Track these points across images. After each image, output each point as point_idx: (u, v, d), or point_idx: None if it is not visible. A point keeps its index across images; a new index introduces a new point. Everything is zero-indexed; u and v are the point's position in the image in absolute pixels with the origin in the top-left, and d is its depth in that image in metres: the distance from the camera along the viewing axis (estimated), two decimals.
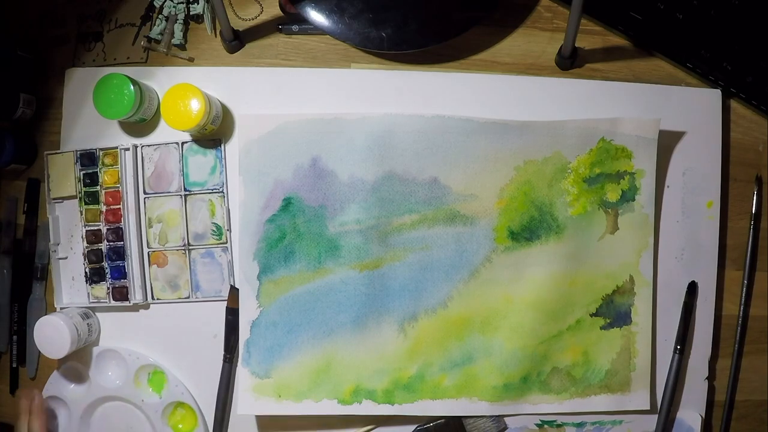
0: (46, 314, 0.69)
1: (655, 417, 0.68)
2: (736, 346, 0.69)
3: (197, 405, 0.68)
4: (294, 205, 0.66)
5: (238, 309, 0.66)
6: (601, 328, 0.67)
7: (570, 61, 0.68)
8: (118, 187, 0.68)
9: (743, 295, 0.69)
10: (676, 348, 0.67)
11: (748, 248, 0.69)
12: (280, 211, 0.66)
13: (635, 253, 0.66)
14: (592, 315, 0.66)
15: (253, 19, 0.70)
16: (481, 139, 0.65)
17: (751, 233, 0.69)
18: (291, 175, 0.66)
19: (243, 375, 0.66)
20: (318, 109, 0.67)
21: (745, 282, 0.69)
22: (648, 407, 0.67)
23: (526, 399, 0.66)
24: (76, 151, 0.68)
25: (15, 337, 0.70)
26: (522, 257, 0.66)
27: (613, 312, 0.66)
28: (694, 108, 0.68)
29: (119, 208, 0.68)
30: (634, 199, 0.66)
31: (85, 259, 0.68)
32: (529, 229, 0.66)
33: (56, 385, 0.69)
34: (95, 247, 0.68)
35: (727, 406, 0.69)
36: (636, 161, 0.66)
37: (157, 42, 0.70)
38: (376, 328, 0.66)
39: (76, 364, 0.69)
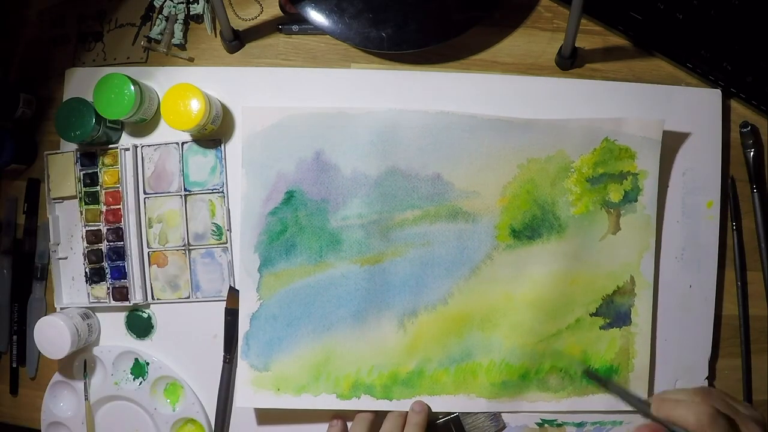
0: (46, 314, 0.69)
1: None
2: (743, 346, 0.68)
3: (210, 426, 0.68)
4: (296, 198, 0.66)
5: (237, 310, 0.66)
6: (601, 328, 0.67)
7: (570, 61, 0.68)
8: (118, 187, 0.68)
9: (741, 294, 0.68)
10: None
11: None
12: (283, 204, 0.66)
13: (636, 254, 0.66)
14: (591, 315, 0.66)
15: (253, 19, 0.70)
16: (484, 136, 0.65)
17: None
18: (294, 169, 0.66)
19: (242, 368, 0.66)
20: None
21: (740, 283, 0.68)
22: None
23: (524, 397, 0.66)
24: (76, 151, 0.68)
25: (15, 337, 0.70)
26: (523, 255, 0.66)
27: (613, 312, 0.66)
28: (695, 108, 0.68)
29: (119, 208, 0.68)
30: (636, 200, 0.66)
31: (85, 259, 0.68)
32: (530, 227, 0.66)
33: (71, 371, 0.69)
34: (95, 247, 0.68)
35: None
36: (639, 162, 0.66)
37: (157, 42, 0.70)
38: (376, 323, 0.66)
39: (96, 358, 0.69)
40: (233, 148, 0.68)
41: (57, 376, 0.69)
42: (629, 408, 0.66)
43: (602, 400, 0.66)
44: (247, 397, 0.66)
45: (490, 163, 0.66)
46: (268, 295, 0.66)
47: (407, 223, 0.66)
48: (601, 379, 0.65)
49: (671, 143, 0.68)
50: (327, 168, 0.66)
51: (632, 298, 0.66)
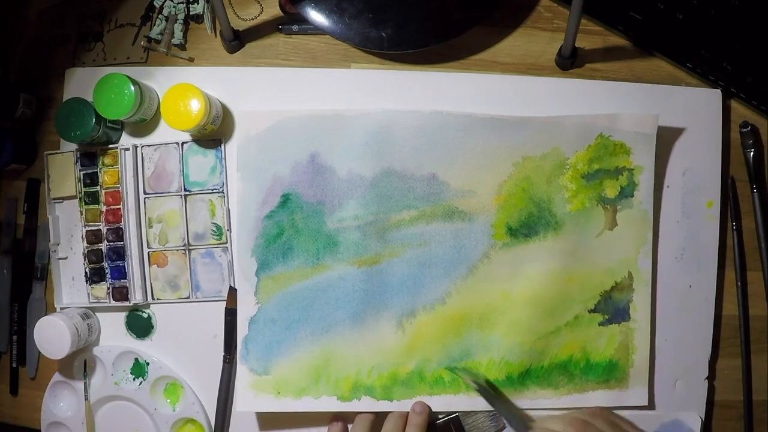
0: (46, 314, 0.69)
1: (655, 416, 0.68)
2: (743, 346, 0.68)
3: (209, 426, 0.68)
4: (292, 201, 0.66)
5: (237, 309, 0.66)
6: (599, 325, 0.67)
7: (570, 61, 0.68)
8: (118, 187, 0.68)
9: (741, 294, 0.68)
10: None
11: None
12: (279, 207, 0.66)
13: (634, 250, 0.66)
14: (590, 311, 0.66)
15: (253, 19, 0.70)
16: (479, 135, 0.65)
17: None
18: (289, 171, 0.66)
19: (241, 372, 0.66)
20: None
21: (740, 283, 0.68)
22: (646, 403, 0.67)
23: (523, 394, 0.66)
24: (76, 151, 0.68)
25: (15, 337, 0.70)
26: (520, 253, 0.66)
27: (612, 308, 0.66)
28: (694, 108, 0.68)
29: (119, 208, 0.68)
30: (632, 195, 0.66)
31: (85, 259, 0.68)
32: (527, 225, 0.66)
33: (71, 371, 0.69)
34: (95, 247, 0.68)
35: (746, 407, 0.68)
36: (634, 157, 0.66)
37: (157, 42, 0.70)
38: (375, 324, 0.66)
39: (96, 358, 0.69)
40: (233, 148, 0.68)
41: (57, 376, 0.69)
42: (628, 404, 0.67)
43: (602, 397, 0.66)
44: (248, 401, 0.66)
45: (486, 161, 0.66)
46: (266, 299, 0.66)
47: (404, 223, 0.66)
48: (493, 397, 0.63)
49: (670, 142, 0.68)
50: (322, 170, 0.66)
51: (630, 294, 0.66)
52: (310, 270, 0.66)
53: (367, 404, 0.66)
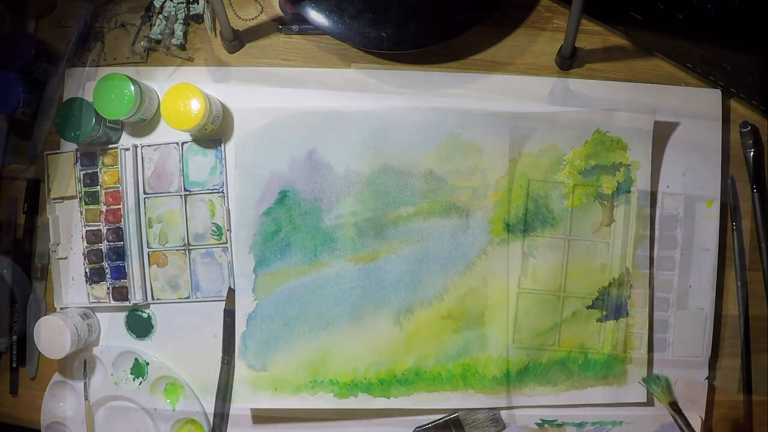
0: (46, 314, 0.69)
1: (655, 416, 0.68)
2: (743, 346, 0.68)
3: (209, 426, 0.68)
4: (290, 197, 0.66)
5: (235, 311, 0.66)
6: (597, 321, 0.67)
7: (570, 61, 0.68)
8: (118, 187, 0.68)
9: (741, 294, 0.68)
10: None
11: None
12: (276, 204, 0.66)
13: (631, 245, 0.66)
14: (588, 307, 0.66)
15: (253, 19, 0.70)
16: (476, 131, 0.65)
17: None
18: (287, 168, 0.66)
19: (240, 368, 0.66)
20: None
21: (740, 283, 0.68)
22: (644, 400, 0.67)
23: (522, 391, 0.66)
24: (76, 151, 0.68)
25: (15, 337, 0.70)
26: (517, 249, 0.66)
27: (609, 304, 0.67)
28: (695, 108, 0.68)
29: (119, 208, 0.68)
30: (629, 191, 0.66)
31: (85, 259, 0.68)
32: (524, 221, 0.66)
33: (71, 371, 0.69)
34: (95, 247, 0.68)
35: (746, 407, 0.68)
36: (631, 153, 0.66)
37: (157, 42, 0.70)
38: (372, 320, 0.66)
39: (96, 358, 0.69)
40: (233, 148, 0.68)
41: (57, 376, 0.69)
42: (627, 401, 0.66)
43: (601, 394, 0.66)
44: (245, 398, 0.66)
45: (483, 157, 0.66)
46: (263, 296, 0.66)
47: (401, 220, 0.66)
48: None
49: (671, 142, 0.68)
50: (320, 167, 0.66)
51: (628, 290, 0.67)
52: (307, 267, 0.66)
53: (363, 402, 0.66)
